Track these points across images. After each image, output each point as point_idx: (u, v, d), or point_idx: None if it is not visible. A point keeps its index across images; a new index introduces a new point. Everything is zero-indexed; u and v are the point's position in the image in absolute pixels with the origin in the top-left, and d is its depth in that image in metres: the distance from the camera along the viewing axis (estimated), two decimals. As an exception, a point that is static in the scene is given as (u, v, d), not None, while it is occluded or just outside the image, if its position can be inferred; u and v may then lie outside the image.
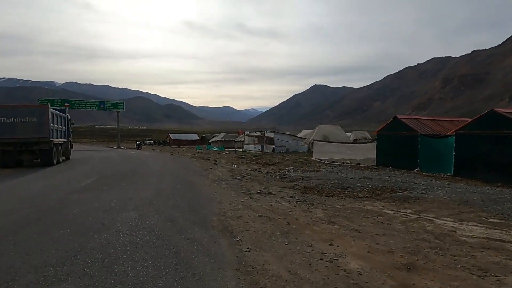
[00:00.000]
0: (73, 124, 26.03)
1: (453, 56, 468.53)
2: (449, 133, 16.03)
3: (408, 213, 7.82)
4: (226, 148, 52.65)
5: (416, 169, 17.14)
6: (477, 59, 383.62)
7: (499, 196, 9.75)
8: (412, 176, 14.51)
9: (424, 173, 15.75)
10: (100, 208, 7.40)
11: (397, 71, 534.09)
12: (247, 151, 42.42)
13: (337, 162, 23.69)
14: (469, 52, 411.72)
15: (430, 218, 7.31)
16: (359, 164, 21.92)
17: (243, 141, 52.03)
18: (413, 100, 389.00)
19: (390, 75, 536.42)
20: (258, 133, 47.00)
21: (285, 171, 17.61)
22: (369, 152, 26.82)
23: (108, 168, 16.99)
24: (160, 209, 7.36)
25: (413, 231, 6.22)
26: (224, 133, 78.46)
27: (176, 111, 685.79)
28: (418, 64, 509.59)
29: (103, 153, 35.01)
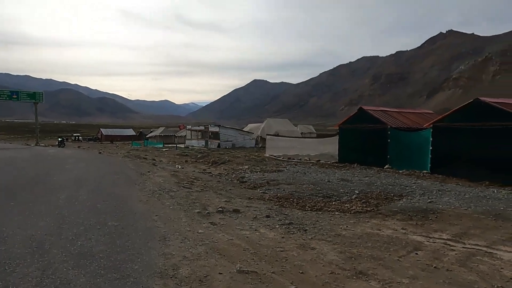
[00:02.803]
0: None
1: (380, 55, 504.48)
2: (425, 125, 14.49)
3: (447, 240, 5.41)
4: (166, 144, 48.03)
5: (386, 166, 15.41)
6: (401, 59, 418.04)
7: (519, 202, 7.97)
8: (392, 176, 12.56)
9: (400, 171, 13.97)
10: None
11: (331, 68, 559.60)
12: (190, 147, 38.64)
13: (293, 159, 21.46)
14: (394, 52, 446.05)
15: (486, 250, 4.96)
16: (319, 160, 19.88)
17: (185, 136, 47.95)
18: (346, 96, 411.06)
19: (325, 72, 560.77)
20: (202, 128, 43.34)
21: (242, 172, 14.70)
22: (323, 146, 25.04)
23: (3, 175, 12.43)
24: (48, 270, 3.93)
25: (499, 287, 3.73)
26: (164, 128, 72.87)
27: (109, 104, 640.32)
28: (350, 62, 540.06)
29: (13, 152, 28.62)
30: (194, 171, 15.34)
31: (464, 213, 6.98)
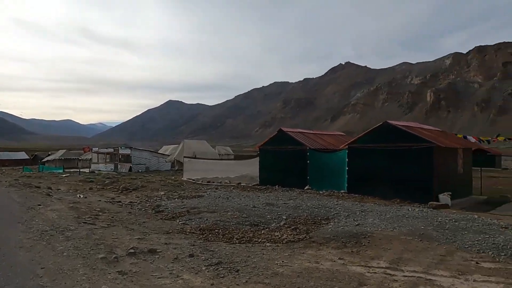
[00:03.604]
0: None
1: (290, 81, 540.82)
2: (340, 147, 15.10)
3: (386, 268, 5.13)
4: (67, 168, 42.36)
5: (306, 187, 15.58)
6: (308, 86, 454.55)
7: (433, 219, 8.41)
8: (315, 198, 12.55)
9: (320, 192, 14.16)
10: None
11: (246, 91, 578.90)
12: (96, 171, 34.63)
13: (213, 182, 20.52)
14: (301, 79, 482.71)
15: (425, 277, 4.78)
16: (240, 183, 19.33)
17: (91, 159, 43.15)
18: (260, 118, 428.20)
19: (240, 94, 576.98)
20: (111, 150, 39.52)
21: (157, 200, 13.22)
22: (243, 168, 24.84)
23: None
24: None
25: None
26: (65, 151, 64.65)
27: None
28: (263, 86, 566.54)
29: None
30: (100, 200, 13.26)
31: (392, 235, 6.99)
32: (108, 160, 39.49)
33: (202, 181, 21.21)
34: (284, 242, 6.79)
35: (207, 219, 8.88)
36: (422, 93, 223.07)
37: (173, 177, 24.75)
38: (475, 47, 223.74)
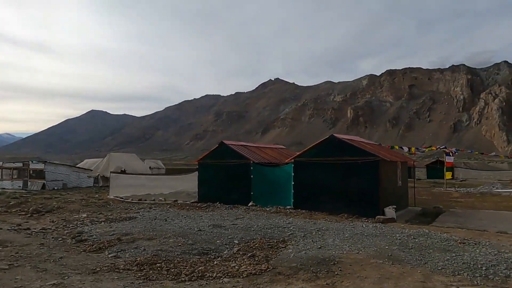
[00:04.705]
0: None
1: (222, 94, 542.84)
2: (286, 160, 14.57)
3: (373, 304, 4.42)
4: (-42, 187, 35.38)
5: (250, 203, 14.70)
6: (239, 99, 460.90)
7: (392, 236, 8.12)
8: (263, 216, 11.69)
9: (266, 209, 13.35)
10: None
11: (177, 103, 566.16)
12: (0, 190, 29.40)
13: (145, 200, 18.51)
14: (233, 93, 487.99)
15: (418, 312, 4.17)
16: (176, 200, 17.68)
17: (-8, 176, 36.75)
18: (191, 130, 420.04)
19: (171, 106, 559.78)
20: (19, 164, 34.13)
21: (78, 225, 11.10)
22: (178, 183, 23.15)
23: None
24: None
25: None
26: (-43, 165, 54.48)
27: None
28: (194, 98, 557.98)
29: None
30: (1, 229, 10.67)
31: (360, 258, 6.40)
32: (15, 176, 33.98)
33: (132, 199, 19.04)
34: (244, 275, 5.72)
35: (144, 249, 7.39)
36: (343, 109, 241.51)
37: (97, 195, 21.95)
38: (386, 70, 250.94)
